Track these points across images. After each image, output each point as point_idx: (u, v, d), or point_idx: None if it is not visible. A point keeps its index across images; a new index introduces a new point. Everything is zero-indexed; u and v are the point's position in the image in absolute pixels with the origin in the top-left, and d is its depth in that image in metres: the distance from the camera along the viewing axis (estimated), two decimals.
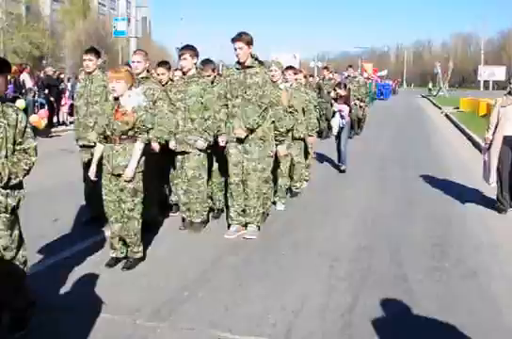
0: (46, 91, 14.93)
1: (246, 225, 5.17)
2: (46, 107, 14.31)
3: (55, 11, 59.66)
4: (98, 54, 5.42)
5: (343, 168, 8.51)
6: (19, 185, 3.01)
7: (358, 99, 13.22)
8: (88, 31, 49.95)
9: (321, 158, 9.52)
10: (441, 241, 4.97)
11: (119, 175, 4.14)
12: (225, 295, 3.71)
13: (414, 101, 35.78)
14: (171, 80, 5.76)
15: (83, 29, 50.94)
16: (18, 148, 3.01)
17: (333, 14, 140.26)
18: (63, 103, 15.91)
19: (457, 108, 24.56)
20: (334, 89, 8.95)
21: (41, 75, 15.82)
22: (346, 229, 5.41)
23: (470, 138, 13.10)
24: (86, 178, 5.40)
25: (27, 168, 3.00)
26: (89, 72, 5.33)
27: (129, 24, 23.72)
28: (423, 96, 43.67)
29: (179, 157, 5.23)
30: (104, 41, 48.92)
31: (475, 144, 11.77)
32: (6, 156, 2.95)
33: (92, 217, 5.46)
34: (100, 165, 4.31)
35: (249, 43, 4.91)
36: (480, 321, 3.32)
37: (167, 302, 3.57)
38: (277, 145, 5.41)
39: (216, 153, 5.47)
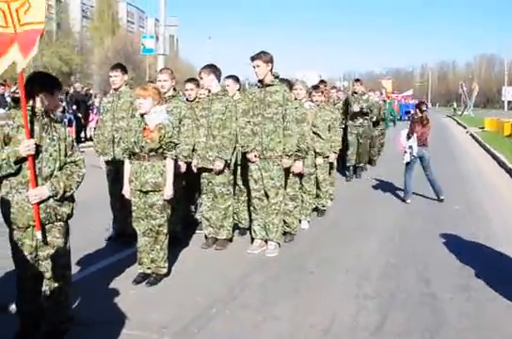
0: (74, 107, 15.29)
1: (266, 242, 5.18)
2: (74, 124, 14.63)
3: (84, 28, 61.40)
4: (124, 70, 5.48)
5: (441, 197, 7.63)
6: (71, 195, 3.14)
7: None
8: (116, 48, 50.98)
9: (342, 177, 9.49)
10: (469, 261, 4.88)
11: (147, 192, 4.17)
12: (253, 312, 3.70)
13: (440, 121, 35.52)
14: (198, 98, 5.82)
15: (111, 46, 52.06)
16: (69, 160, 3.14)
17: (359, 35, 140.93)
18: (91, 118, 16.23)
19: (482, 128, 24.34)
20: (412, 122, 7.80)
21: (70, 91, 16.20)
22: (373, 247, 5.36)
23: (494, 157, 12.98)
24: (112, 193, 5.49)
25: (80, 180, 3.14)
26: (116, 88, 5.41)
27: (157, 41, 24.25)
28: (448, 116, 43.40)
29: (204, 174, 5.27)
30: (131, 58, 49.86)
31: (500, 163, 11.67)
32: (60, 169, 3.08)
33: (118, 233, 5.51)
34: (117, 179, 4.34)
35: (268, 62, 4.96)
36: None
37: (194, 319, 3.57)
38: (295, 160, 5.28)
39: (241, 169, 5.51)
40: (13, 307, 3.33)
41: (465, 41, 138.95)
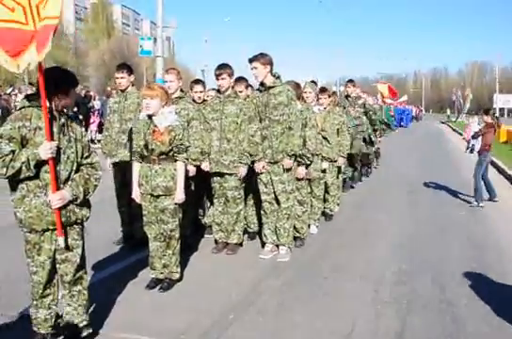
0: (75, 109, 15.21)
1: (278, 246, 5.16)
2: None
3: (78, 30, 61.14)
4: (130, 70, 5.37)
5: (474, 204, 7.76)
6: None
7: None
8: (112, 50, 50.83)
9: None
10: (479, 266, 4.89)
11: (158, 196, 4.09)
12: (271, 319, 3.67)
13: (436, 127, 35.82)
14: (205, 100, 5.73)
15: (107, 48, 51.90)
16: (85, 162, 3.08)
17: (354, 40, 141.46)
18: (92, 121, 16.15)
19: None
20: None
21: None
22: (383, 253, 5.35)
23: (492, 164, 13.05)
24: (119, 196, 5.45)
25: (97, 183, 3.10)
26: (123, 90, 5.32)
27: (155, 43, 24.18)
28: (442, 122, 43.77)
29: (216, 178, 5.20)
30: (128, 61, 49.51)
31: (499, 169, 11.83)
32: (76, 171, 3.03)
33: (126, 237, 5.48)
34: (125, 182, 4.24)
35: (265, 63, 4.83)
36: None
37: (212, 326, 3.53)
38: (298, 165, 5.19)
39: (249, 173, 5.42)
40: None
41: (457, 49, 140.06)
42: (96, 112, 16.22)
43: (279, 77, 4.96)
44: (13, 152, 2.78)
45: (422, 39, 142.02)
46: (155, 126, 4.03)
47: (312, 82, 8.02)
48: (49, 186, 2.90)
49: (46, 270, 3.05)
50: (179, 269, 4.29)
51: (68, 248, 3.05)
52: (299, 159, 5.10)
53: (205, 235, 5.77)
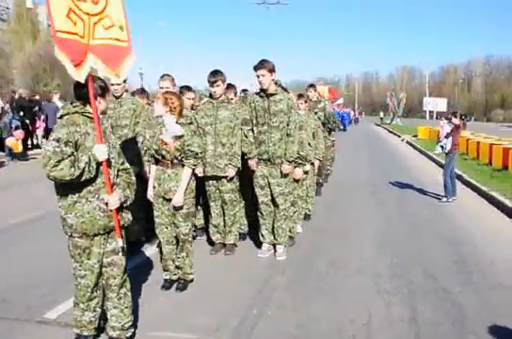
0: (21, 114, 14.67)
1: (274, 245, 5.39)
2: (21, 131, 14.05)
3: (1, 31, 58.23)
4: (125, 78, 5.23)
5: (443, 199, 8.49)
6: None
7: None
8: (38, 53, 48.86)
9: None
10: (460, 258, 5.36)
11: (169, 199, 4.21)
12: (291, 312, 3.92)
13: (372, 129, 37.22)
14: (196, 106, 5.79)
15: (33, 51, 49.86)
16: (121, 167, 3.20)
17: (287, 43, 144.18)
18: (38, 125, 15.63)
19: (415, 136, 25.90)
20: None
21: (15, 97, 15.52)
22: (370, 249, 5.72)
23: (436, 162, 14.02)
24: None
25: (135, 187, 3.25)
26: (118, 96, 5.37)
27: None
28: (376, 124, 45.51)
29: (212, 182, 5.35)
30: (57, 65, 48.07)
31: (442, 166, 12.68)
32: (117, 176, 3.14)
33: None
34: None
35: (271, 71, 4.99)
36: None
37: (242, 321, 3.74)
38: (294, 167, 5.48)
39: (240, 176, 5.58)
40: None
41: (387, 53, 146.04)
42: (43, 116, 15.66)
43: (280, 85, 5.13)
44: (73, 154, 2.90)
45: (353, 43, 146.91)
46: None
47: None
48: (100, 191, 3.01)
49: (95, 274, 3.14)
50: (193, 270, 4.43)
51: (123, 249, 3.19)
52: (299, 161, 5.37)
53: (198, 238, 5.90)
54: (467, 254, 5.54)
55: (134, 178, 3.26)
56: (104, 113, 3.28)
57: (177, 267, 4.40)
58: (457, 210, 7.87)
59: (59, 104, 15.80)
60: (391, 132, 33.17)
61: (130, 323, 3.29)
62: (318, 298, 4.21)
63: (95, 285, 3.17)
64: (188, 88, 5.99)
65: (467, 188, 9.60)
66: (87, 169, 2.90)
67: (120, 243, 3.13)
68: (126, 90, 5.52)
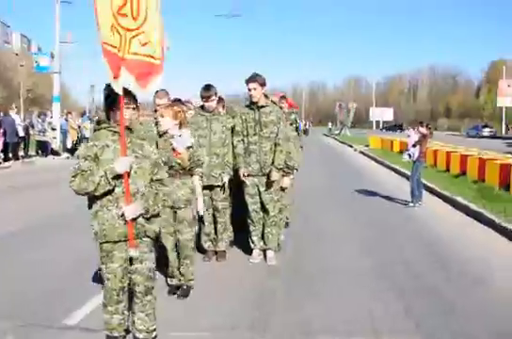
0: None
1: (264, 251, 5.64)
2: None
3: None
4: None
5: (410, 204, 9.01)
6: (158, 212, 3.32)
7: None
8: None
9: None
10: (436, 258, 5.80)
11: (178, 208, 4.37)
12: (297, 310, 4.17)
13: (322, 140, 38.10)
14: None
15: None
16: (154, 178, 3.28)
17: (237, 52, 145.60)
18: None
19: (367, 146, 26.88)
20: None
21: None
22: (350, 252, 6.06)
23: (390, 168, 14.77)
24: None
25: (165, 198, 3.37)
26: None
27: (52, 59, 23.34)
28: (325, 135, 46.50)
29: (206, 191, 5.46)
30: (1, 76, 46.82)
31: (399, 173, 13.71)
32: (145, 186, 3.22)
33: None
34: None
35: (263, 84, 5.26)
36: None
37: (257, 317, 4.01)
38: (283, 176, 5.75)
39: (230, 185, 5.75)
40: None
41: (334, 63, 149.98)
42: (1, 130, 15.27)
43: (268, 97, 5.43)
44: (90, 168, 3.04)
45: (300, 52, 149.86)
46: (173, 146, 4.34)
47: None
48: (120, 200, 3.13)
49: (118, 278, 3.25)
50: (193, 277, 4.58)
51: (137, 258, 3.27)
52: (287, 170, 5.64)
53: None
54: (441, 254, 5.98)
55: (167, 188, 3.36)
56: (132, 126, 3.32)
57: (181, 274, 4.55)
58: (424, 214, 8.40)
59: (17, 118, 15.53)
60: (342, 142, 34.15)
61: (154, 326, 3.43)
62: (317, 297, 4.48)
63: (120, 289, 3.28)
64: (181, 102, 6.19)
65: (429, 194, 10.18)
66: (102, 182, 3.02)
67: (132, 252, 3.19)
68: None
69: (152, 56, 3.18)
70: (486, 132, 45.83)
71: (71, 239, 6.34)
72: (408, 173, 12.66)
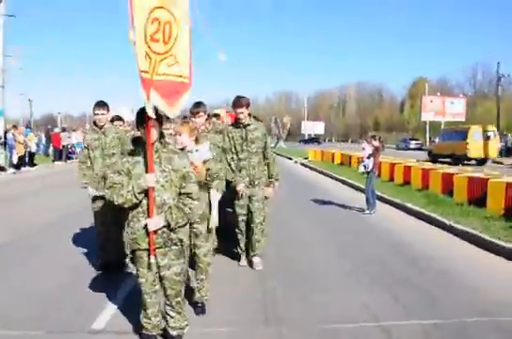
0: None
1: (251, 256, 6.02)
2: None
3: None
4: (108, 107, 5.73)
5: (366, 212, 9.80)
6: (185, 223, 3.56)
7: None
8: None
9: None
10: (407, 256, 6.51)
11: (194, 222, 4.40)
12: (307, 301, 4.73)
13: None
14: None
15: None
16: (183, 191, 3.47)
17: None
18: None
19: (306, 158, 27.93)
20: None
21: None
22: (327, 255, 6.65)
23: (336, 179, 15.85)
24: (98, 227, 5.81)
25: (191, 211, 3.49)
26: (101, 126, 5.68)
27: None
28: None
29: None
30: None
31: (345, 182, 14.75)
32: (173, 198, 3.45)
33: (104, 264, 5.73)
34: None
35: (248, 106, 5.70)
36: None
37: (268, 311, 4.48)
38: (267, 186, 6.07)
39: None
40: None
41: (264, 77, 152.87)
42: None
43: (254, 116, 5.88)
44: (122, 182, 3.37)
45: (230, 67, 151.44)
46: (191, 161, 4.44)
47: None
48: (147, 213, 3.41)
49: (149, 281, 3.54)
50: (208, 293, 4.59)
51: (166, 266, 3.53)
52: (272, 180, 6.06)
53: None
54: (407, 253, 6.71)
55: (194, 202, 3.49)
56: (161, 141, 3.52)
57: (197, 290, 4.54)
58: (381, 219, 9.21)
59: None
60: (279, 154, 34.96)
61: (186, 322, 3.78)
62: (314, 292, 5.01)
63: (153, 292, 3.58)
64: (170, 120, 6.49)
65: (380, 201, 11.03)
66: (129, 196, 3.33)
67: (152, 260, 3.46)
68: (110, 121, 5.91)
69: (181, 76, 3.40)
70: (413, 144, 48.78)
71: None
72: (355, 184, 13.71)
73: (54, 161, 24.52)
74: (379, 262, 6.22)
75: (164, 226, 3.42)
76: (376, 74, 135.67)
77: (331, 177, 17.20)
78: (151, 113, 3.26)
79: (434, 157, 25.79)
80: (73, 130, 28.78)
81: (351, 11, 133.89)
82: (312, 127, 78.40)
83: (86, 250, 6.60)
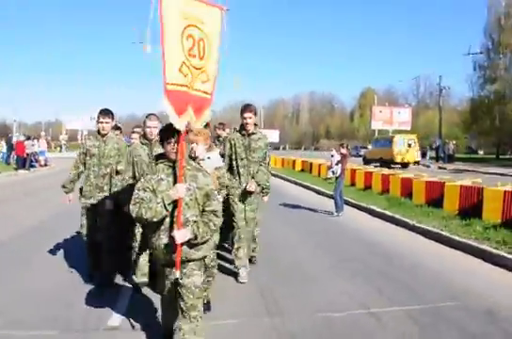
0: None
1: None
2: None
3: None
4: (113, 116, 5.56)
5: (335, 214, 10.50)
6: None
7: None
8: None
9: None
10: (375, 251, 7.17)
11: None
12: (301, 293, 5.24)
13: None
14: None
15: None
16: (208, 209, 3.43)
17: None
18: None
19: None
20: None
21: None
22: (309, 253, 7.20)
23: (303, 186, 16.46)
24: (91, 239, 5.58)
25: (215, 228, 3.46)
26: (104, 134, 5.49)
27: None
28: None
29: None
30: None
31: (308, 188, 15.40)
32: (196, 216, 3.42)
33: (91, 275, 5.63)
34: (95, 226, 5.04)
35: (256, 113, 5.79)
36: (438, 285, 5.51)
37: (269, 303, 4.92)
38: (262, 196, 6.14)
39: None
40: None
41: (220, 88, 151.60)
42: None
43: (256, 124, 5.89)
44: (149, 198, 3.34)
45: None
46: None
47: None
48: (172, 228, 3.36)
49: (172, 296, 3.53)
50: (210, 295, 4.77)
51: (186, 275, 3.47)
52: (267, 190, 6.16)
53: None
54: (379, 251, 7.34)
55: (219, 219, 3.47)
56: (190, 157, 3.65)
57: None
58: (350, 221, 9.88)
59: None
60: None
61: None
62: (306, 286, 5.52)
63: (174, 309, 3.52)
64: (119, 129, 6.58)
65: (345, 205, 11.71)
66: (159, 208, 3.27)
67: (177, 274, 3.41)
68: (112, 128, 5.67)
69: (206, 92, 3.48)
70: (363, 151, 50.50)
71: None
72: (320, 189, 14.38)
73: (17, 169, 23.97)
74: (356, 258, 6.81)
75: (190, 239, 3.36)
76: (327, 85, 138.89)
77: (295, 183, 17.86)
78: (182, 127, 3.30)
79: (367, 162, 29.27)
80: (36, 138, 28.23)
81: (305, 22, 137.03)
82: (268, 135, 79.22)
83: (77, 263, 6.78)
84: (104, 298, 5.01)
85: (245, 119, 5.73)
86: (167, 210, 3.31)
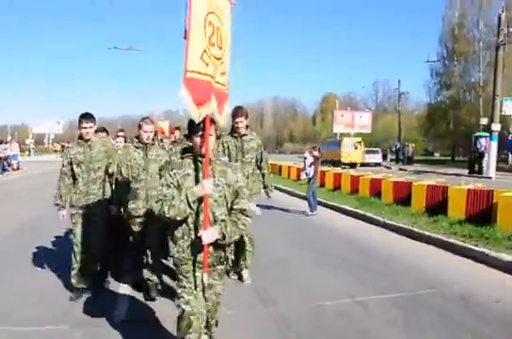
0: None
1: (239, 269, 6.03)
2: None
3: None
4: (95, 120, 5.32)
5: (309, 213, 10.97)
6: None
7: None
8: None
9: None
10: (352, 246, 7.58)
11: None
12: (290, 286, 5.56)
13: None
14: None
15: None
16: (236, 207, 3.17)
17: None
18: None
19: None
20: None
21: None
22: (290, 250, 7.56)
23: (287, 192, 16.75)
24: (80, 249, 5.25)
25: (244, 227, 3.16)
26: (88, 139, 5.24)
27: None
28: None
29: None
30: None
31: (291, 193, 15.53)
32: (224, 214, 3.16)
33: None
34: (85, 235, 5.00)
35: (247, 116, 5.77)
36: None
37: (263, 296, 5.24)
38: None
39: None
40: None
41: None
42: None
43: (248, 126, 5.85)
44: (172, 194, 3.04)
45: (155, 80, 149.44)
46: None
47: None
48: (198, 228, 3.07)
49: (199, 298, 3.19)
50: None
51: (209, 286, 3.23)
52: (268, 191, 6.34)
53: None
54: (356, 246, 7.79)
55: (248, 219, 3.21)
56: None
57: None
58: (325, 220, 10.34)
59: None
60: None
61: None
62: (291, 280, 5.89)
63: (201, 314, 3.18)
64: (105, 131, 6.63)
65: (318, 205, 12.17)
66: (182, 206, 3.01)
67: (205, 278, 3.15)
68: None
69: (224, 85, 3.25)
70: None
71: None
72: (292, 190, 14.81)
73: None
74: (334, 253, 7.23)
75: (217, 239, 3.08)
76: (289, 90, 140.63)
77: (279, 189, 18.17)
78: (200, 118, 3.01)
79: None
80: (7, 142, 27.65)
81: (266, 27, 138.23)
82: None
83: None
84: (107, 294, 5.22)
85: (236, 123, 5.77)
86: (191, 208, 3.05)
